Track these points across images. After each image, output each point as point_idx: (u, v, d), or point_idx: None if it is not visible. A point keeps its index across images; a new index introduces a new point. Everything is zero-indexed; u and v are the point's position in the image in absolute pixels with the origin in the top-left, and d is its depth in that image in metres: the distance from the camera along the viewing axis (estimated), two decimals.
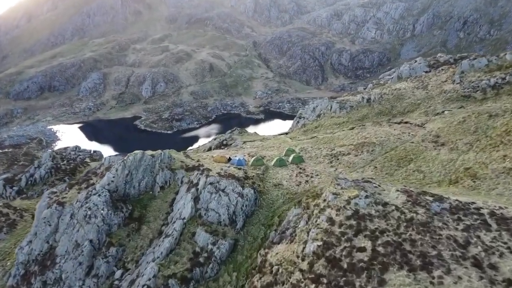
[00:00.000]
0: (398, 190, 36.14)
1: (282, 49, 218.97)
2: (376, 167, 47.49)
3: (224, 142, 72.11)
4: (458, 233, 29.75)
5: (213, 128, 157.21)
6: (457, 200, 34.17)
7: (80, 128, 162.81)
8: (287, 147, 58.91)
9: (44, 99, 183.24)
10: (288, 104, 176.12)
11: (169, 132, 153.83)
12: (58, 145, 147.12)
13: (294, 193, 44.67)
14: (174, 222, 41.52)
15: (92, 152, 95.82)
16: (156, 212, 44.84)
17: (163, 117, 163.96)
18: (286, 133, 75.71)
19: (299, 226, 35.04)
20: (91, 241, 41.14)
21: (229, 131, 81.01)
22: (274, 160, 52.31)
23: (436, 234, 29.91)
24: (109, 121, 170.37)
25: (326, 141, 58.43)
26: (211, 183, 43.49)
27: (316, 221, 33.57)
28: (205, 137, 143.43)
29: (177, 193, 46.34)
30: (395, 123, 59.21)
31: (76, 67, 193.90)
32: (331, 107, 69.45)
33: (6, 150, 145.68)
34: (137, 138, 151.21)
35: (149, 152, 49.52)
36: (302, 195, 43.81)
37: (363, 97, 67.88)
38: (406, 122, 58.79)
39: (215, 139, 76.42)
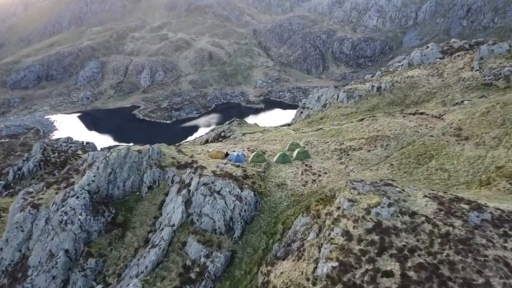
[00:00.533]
0: (426, 196, 29.54)
1: (282, 37, 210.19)
2: (392, 164, 40.82)
3: (222, 134, 65.41)
4: (508, 254, 23.25)
5: (213, 117, 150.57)
6: (498, 209, 27.61)
7: (79, 117, 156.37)
8: (290, 140, 52.19)
9: (42, 88, 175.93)
10: (288, 94, 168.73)
11: (168, 121, 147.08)
12: (56, 135, 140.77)
13: (299, 194, 38.12)
14: (162, 229, 35.03)
15: (84, 144, 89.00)
16: (142, 217, 38.34)
17: (162, 106, 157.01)
18: (289, 125, 68.94)
19: (308, 239, 28.54)
20: (66, 251, 34.73)
21: (228, 122, 74.19)
22: (277, 155, 45.65)
23: (480, 254, 23.40)
24: (107, 110, 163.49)
25: (333, 133, 51.67)
26: (205, 184, 36.88)
27: (329, 234, 27.04)
28: (205, 126, 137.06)
29: (167, 194, 39.79)
30: (410, 114, 52.40)
31: (73, 56, 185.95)
32: (338, 97, 62.39)
33: (3, 140, 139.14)
34: (136, 128, 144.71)
35: (136, 147, 42.86)
36: (309, 197, 37.29)
37: (372, 86, 60.84)
38: (421, 113, 51.97)
39: (212, 130, 69.71)
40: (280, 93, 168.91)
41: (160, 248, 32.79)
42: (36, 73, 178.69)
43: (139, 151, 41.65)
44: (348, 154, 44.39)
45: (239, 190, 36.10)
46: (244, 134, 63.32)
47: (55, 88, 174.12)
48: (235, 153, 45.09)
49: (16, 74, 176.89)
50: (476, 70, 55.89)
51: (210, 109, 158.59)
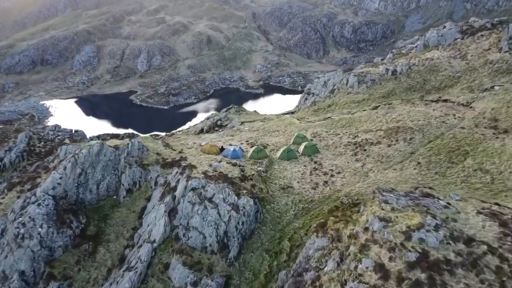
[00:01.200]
0: (480, 212, 21.64)
1: (282, 20, 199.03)
2: (419, 162, 32.81)
3: (219, 123, 57.21)
4: None
5: (211, 103, 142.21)
6: None
7: (76, 103, 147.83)
8: (295, 131, 44.09)
9: (37, 73, 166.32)
10: (288, 78, 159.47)
11: (165, 107, 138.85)
12: (51, 121, 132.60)
13: (309, 200, 30.24)
14: (141, 245, 27.26)
15: (73, 132, 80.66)
16: (119, 227, 30.53)
17: (159, 91, 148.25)
18: (292, 113, 60.69)
19: (326, 269, 20.77)
20: (22, 273, 27.01)
21: (225, 109, 65.71)
22: (280, 150, 37.59)
23: None
24: (104, 96, 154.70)
25: (344, 123, 43.51)
26: (193, 189, 28.94)
27: (356, 267, 19.26)
28: (203, 112, 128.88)
29: (149, 199, 31.89)
30: (432, 101, 44.15)
31: (69, 40, 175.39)
32: (347, 81, 53.79)
33: None
34: (133, 113, 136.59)
35: (113, 142, 34.74)
36: (321, 204, 29.41)
37: (387, 69, 52.23)
38: (445, 100, 43.73)
39: (208, 118, 61.45)
40: (280, 78, 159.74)
41: (137, 272, 25.09)
42: (31, 57, 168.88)
43: (116, 147, 33.51)
44: (365, 149, 36.32)
45: (236, 197, 28.18)
46: (242, 123, 55.17)
47: (50, 73, 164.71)
48: (232, 148, 36.97)
49: (11, 58, 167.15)
50: (506, 52, 47.48)
51: (208, 94, 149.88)
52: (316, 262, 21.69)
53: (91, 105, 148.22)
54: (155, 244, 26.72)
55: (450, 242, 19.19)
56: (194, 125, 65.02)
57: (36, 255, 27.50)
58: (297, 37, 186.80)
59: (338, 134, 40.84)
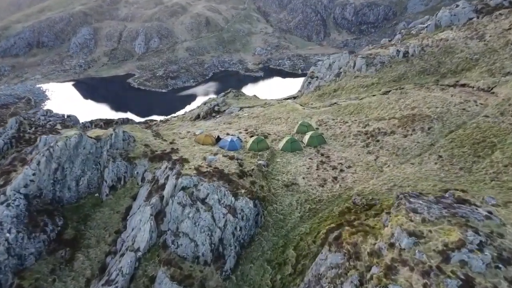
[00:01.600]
0: None
1: (282, 2, 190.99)
2: (440, 156, 28.35)
3: (216, 108, 52.42)
4: None
5: (211, 86, 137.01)
6: None
7: (73, 86, 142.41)
8: (298, 118, 39.46)
9: (33, 56, 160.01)
10: (288, 61, 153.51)
11: (163, 90, 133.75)
12: (48, 105, 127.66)
13: (317, 200, 25.91)
14: (123, 254, 23.06)
15: (65, 117, 75.83)
16: (100, 230, 26.28)
17: (157, 74, 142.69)
18: (294, 97, 55.73)
19: None
20: None
21: (223, 93, 60.63)
22: (283, 141, 33.02)
23: None
24: (101, 79, 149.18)
25: (352, 110, 38.81)
26: (184, 188, 24.53)
27: None
28: (202, 95, 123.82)
29: (135, 197, 27.54)
30: (449, 86, 39.34)
31: (65, 22, 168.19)
32: (354, 64, 48.60)
33: None
34: (131, 97, 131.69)
35: (95, 132, 30.14)
36: (330, 205, 25.13)
37: (398, 50, 46.96)
38: (463, 85, 38.91)
39: (205, 103, 56.56)
40: (280, 61, 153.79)
41: (117, 287, 20.96)
42: (27, 40, 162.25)
43: (98, 138, 28.90)
44: (378, 140, 31.77)
45: (233, 197, 23.79)
46: (241, 108, 50.41)
47: (46, 56, 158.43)
48: (229, 138, 32.37)
49: (6, 41, 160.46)
50: None
51: (207, 77, 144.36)
52: (329, 283, 17.49)
53: (89, 89, 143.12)
54: (139, 253, 22.51)
55: (500, 265, 14.92)
56: (190, 111, 60.16)
57: (3, 265, 23.32)
58: (297, 18, 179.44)
59: (347, 122, 36.21)
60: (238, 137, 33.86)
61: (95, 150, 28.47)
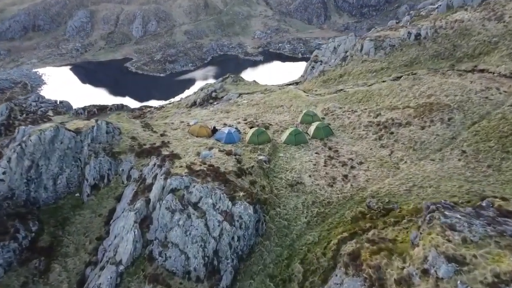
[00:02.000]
0: None
1: None
2: (464, 151, 24.59)
3: (213, 95, 48.33)
4: None
5: (209, 70, 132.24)
6: None
7: (70, 70, 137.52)
8: (302, 106, 35.49)
9: (28, 39, 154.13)
10: (288, 45, 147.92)
11: (162, 75, 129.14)
12: (44, 90, 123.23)
13: (326, 202, 22.25)
14: (103, 267, 19.53)
15: (57, 103, 71.63)
16: (80, 236, 22.72)
17: (155, 58, 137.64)
18: (297, 83, 51.46)
19: None
20: None
21: (221, 79, 56.22)
22: (287, 133, 29.13)
23: None
24: (98, 63, 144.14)
25: (361, 98, 34.82)
26: (173, 190, 20.81)
27: None
28: (201, 80, 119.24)
29: (119, 198, 23.87)
30: (466, 71, 35.26)
31: (61, 5, 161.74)
32: (362, 47, 44.07)
33: None
34: (129, 81, 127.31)
35: (76, 123, 26.21)
36: (341, 209, 21.50)
37: (409, 33, 42.34)
38: (482, 70, 34.80)
39: (202, 89, 52.39)
40: (280, 45, 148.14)
41: None
42: (22, 23, 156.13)
43: (77, 131, 24.99)
44: (392, 132, 27.93)
45: (230, 202, 20.11)
46: (240, 95, 46.34)
47: (42, 39, 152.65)
48: (226, 130, 28.47)
49: (1, 24, 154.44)
50: None
51: (206, 61, 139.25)
52: None
53: (86, 73, 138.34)
54: (121, 267, 19.01)
55: None
56: (186, 97, 55.95)
57: None
58: (297, 1, 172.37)
59: (355, 111, 32.27)
60: (236, 128, 29.99)
61: (75, 145, 24.62)
